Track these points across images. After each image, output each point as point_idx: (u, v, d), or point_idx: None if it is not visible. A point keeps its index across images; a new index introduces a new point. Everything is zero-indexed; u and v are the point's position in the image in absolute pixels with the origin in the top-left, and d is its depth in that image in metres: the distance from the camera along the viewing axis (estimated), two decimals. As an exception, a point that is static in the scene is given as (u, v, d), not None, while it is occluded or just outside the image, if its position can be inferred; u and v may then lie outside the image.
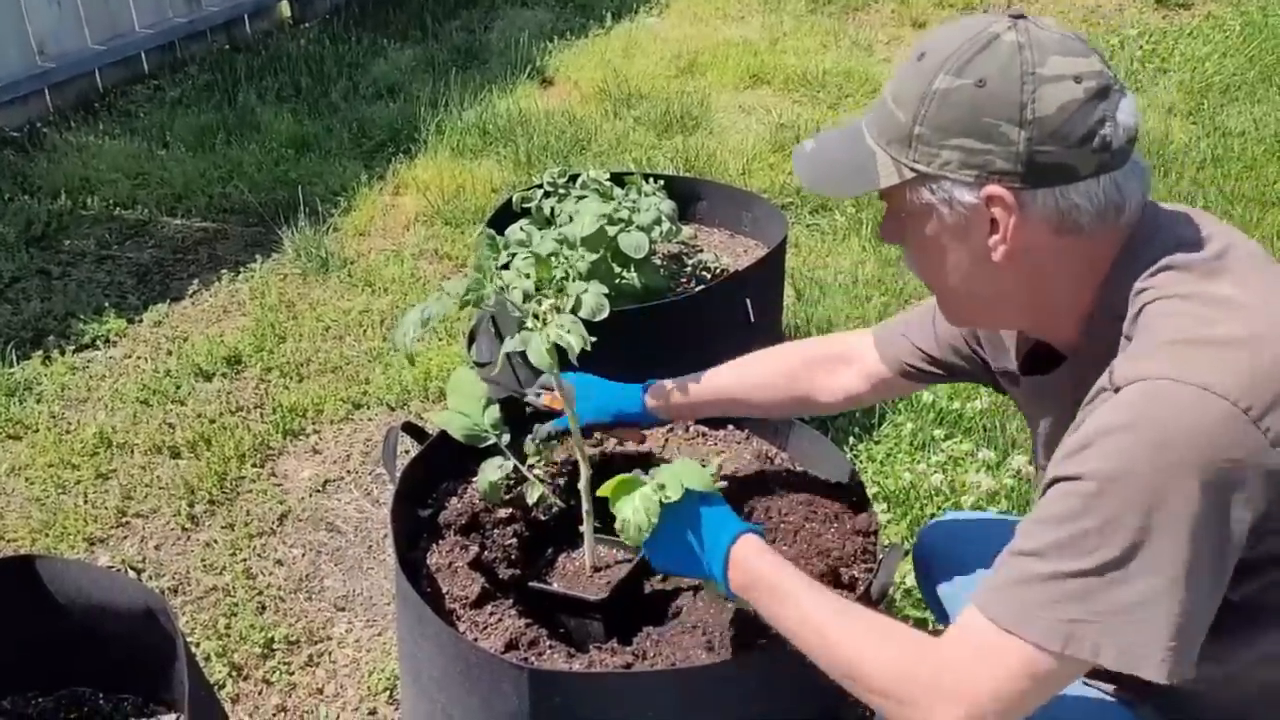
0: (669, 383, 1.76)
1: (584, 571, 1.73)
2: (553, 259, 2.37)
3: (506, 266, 2.34)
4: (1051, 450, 1.28)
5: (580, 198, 2.64)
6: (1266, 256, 1.18)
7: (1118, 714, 1.32)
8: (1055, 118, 1.08)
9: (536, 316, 1.49)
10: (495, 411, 1.73)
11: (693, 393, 1.73)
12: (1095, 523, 1.02)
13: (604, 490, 1.39)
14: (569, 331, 1.44)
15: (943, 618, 1.76)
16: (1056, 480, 1.07)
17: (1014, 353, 1.40)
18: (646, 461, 1.90)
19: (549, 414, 1.80)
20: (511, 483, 1.75)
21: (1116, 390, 1.06)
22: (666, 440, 1.94)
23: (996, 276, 1.17)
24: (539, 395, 1.81)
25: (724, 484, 1.59)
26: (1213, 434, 1.00)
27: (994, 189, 1.11)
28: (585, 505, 1.66)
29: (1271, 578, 1.08)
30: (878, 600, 1.53)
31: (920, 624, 2.11)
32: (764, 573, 1.30)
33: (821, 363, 1.69)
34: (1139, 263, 1.14)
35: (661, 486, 1.36)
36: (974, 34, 1.12)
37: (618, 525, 1.37)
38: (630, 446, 1.92)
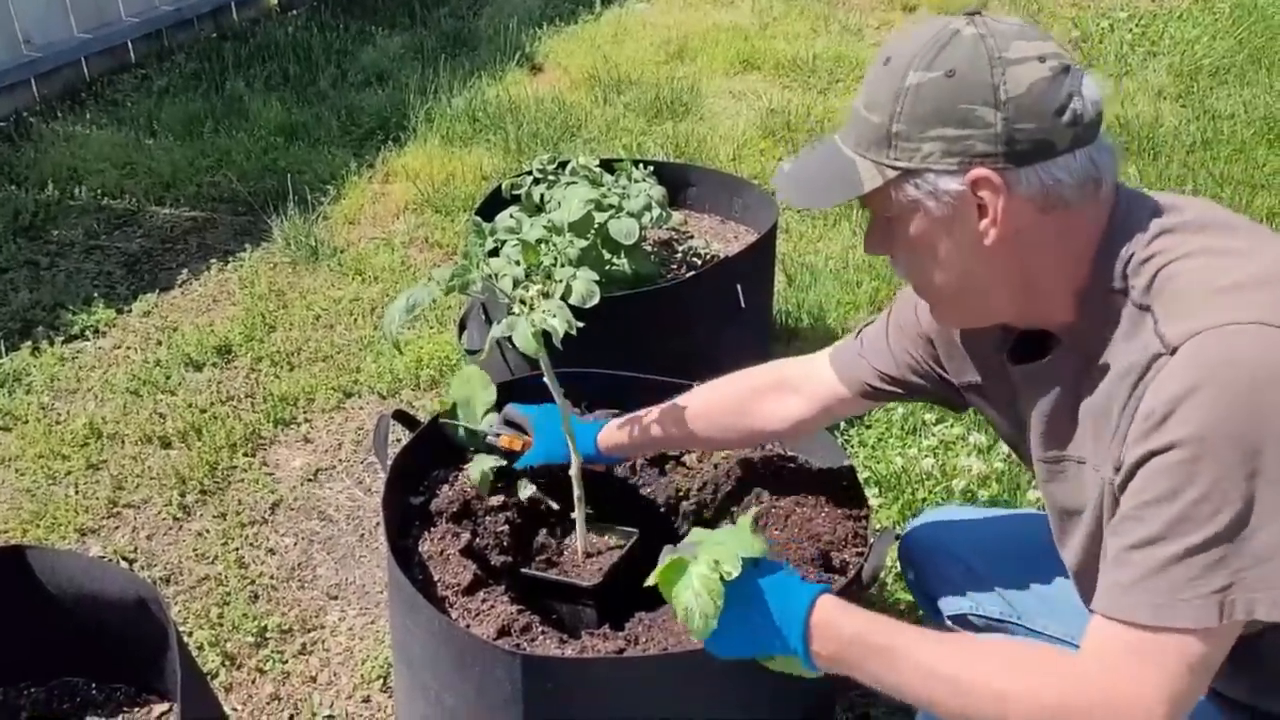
0: (618, 423, 1.73)
1: (576, 558, 1.73)
2: (541, 245, 2.36)
3: (495, 253, 2.34)
4: (1053, 435, 1.27)
5: (570, 184, 2.63)
6: (1236, 215, 1.21)
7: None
8: (1027, 95, 1.10)
9: (524, 302, 1.49)
10: (494, 418, 1.77)
11: (640, 435, 1.71)
12: (1204, 488, 1.02)
13: (654, 578, 1.25)
14: (554, 316, 1.44)
15: (933, 613, 1.75)
16: (1146, 458, 1.06)
17: (974, 363, 1.40)
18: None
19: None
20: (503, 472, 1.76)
21: (1173, 352, 1.06)
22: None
23: (990, 264, 1.17)
24: (498, 436, 1.77)
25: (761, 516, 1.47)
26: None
27: (979, 172, 1.12)
28: (577, 492, 1.67)
29: None
30: (868, 584, 1.54)
31: (912, 608, 2.11)
32: (859, 635, 1.21)
33: (766, 392, 1.66)
34: (1128, 233, 1.15)
35: (717, 563, 1.22)
36: (935, 32, 1.15)
37: (680, 616, 1.22)
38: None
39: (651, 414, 1.71)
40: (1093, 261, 1.17)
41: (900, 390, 1.54)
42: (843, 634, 1.22)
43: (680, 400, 1.71)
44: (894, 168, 1.16)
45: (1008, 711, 1.10)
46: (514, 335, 1.45)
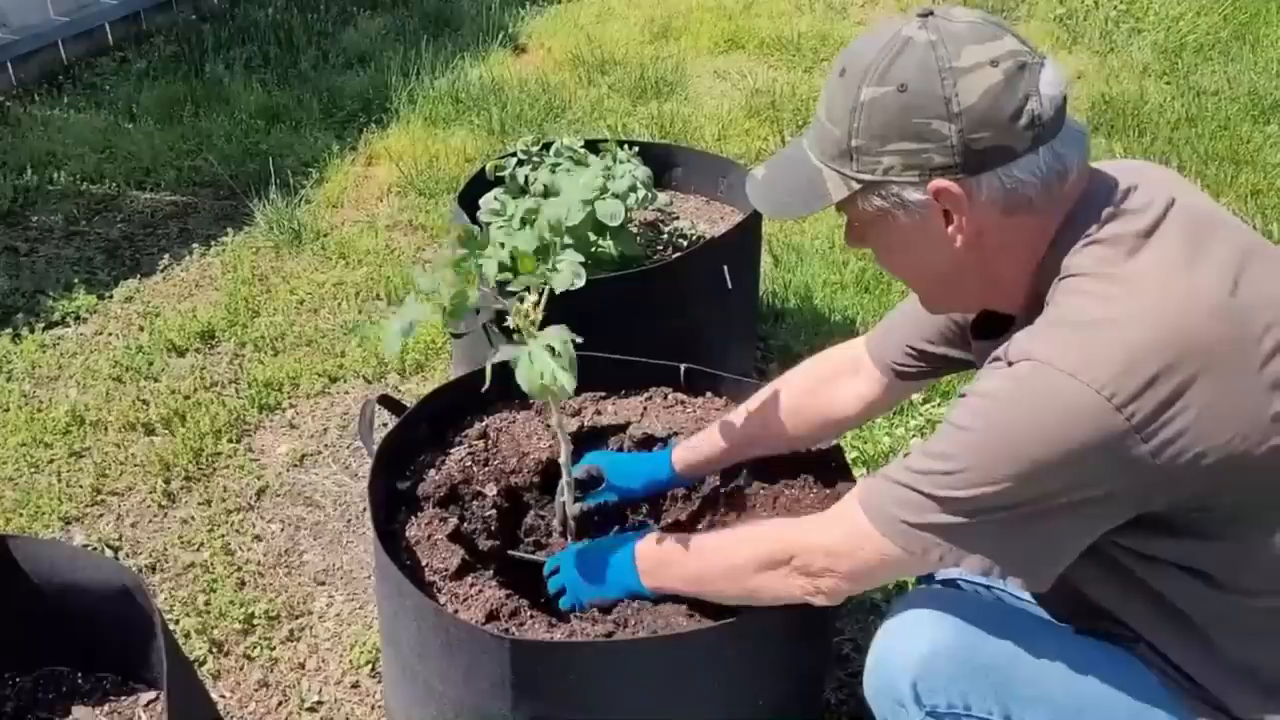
0: (692, 442, 1.73)
1: (565, 541, 1.72)
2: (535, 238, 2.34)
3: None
4: None
5: (555, 165, 2.61)
6: (1206, 220, 1.20)
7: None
8: (980, 104, 1.12)
9: (522, 317, 1.45)
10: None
11: (717, 448, 1.70)
12: (944, 466, 1.17)
13: None
14: (561, 363, 1.37)
15: (927, 582, 1.76)
16: (946, 419, 1.20)
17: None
18: (624, 431, 1.90)
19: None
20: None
21: (1010, 364, 1.14)
22: (645, 409, 1.94)
23: (959, 263, 1.22)
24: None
25: None
26: (1071, 418, 1.08)
27: (940, 183, 1.15)
28: (565, 478, 1.66)
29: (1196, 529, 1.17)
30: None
31: (900, 589, 2.12)
32: (665, 543, 1.48)
33: (832, 377, 1.67)
34: (1075, 233, 1.18)
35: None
36: (887, 40, 1.16)
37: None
38: (609, 418, 1.91)
39: (719, 429, 1.70)
40: (1044, 256, 1.20)
41: (929, 366, 1.55)
42: (656, 544, 1.51)
43: (744, 408, 1.71)
44: (858, 180, 1.19)
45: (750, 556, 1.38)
46: (517, 374, 1.40)
